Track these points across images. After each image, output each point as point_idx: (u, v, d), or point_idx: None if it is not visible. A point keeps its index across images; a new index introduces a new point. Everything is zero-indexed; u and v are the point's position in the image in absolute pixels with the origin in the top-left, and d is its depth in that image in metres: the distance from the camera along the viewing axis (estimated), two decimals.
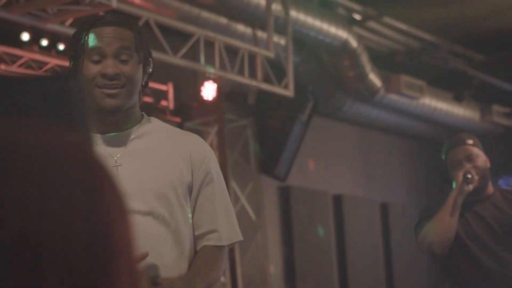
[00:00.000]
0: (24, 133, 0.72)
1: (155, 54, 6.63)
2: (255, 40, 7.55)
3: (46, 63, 6.46)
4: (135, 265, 0.74)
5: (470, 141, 3.69)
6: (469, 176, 3.56)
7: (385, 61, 9.63)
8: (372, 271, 10.21)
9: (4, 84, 0.89)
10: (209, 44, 6.97)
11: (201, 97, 7.69)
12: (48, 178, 0.70)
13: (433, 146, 11.47)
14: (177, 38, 6.89)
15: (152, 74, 2.32)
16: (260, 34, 7.63)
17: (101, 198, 0.72)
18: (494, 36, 9.73)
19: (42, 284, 0.67)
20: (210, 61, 6.98)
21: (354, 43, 8.37)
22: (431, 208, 3.74)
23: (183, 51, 6.70)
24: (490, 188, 3.72)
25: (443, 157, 3.77)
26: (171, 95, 7.59)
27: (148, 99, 7.33)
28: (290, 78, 7.62)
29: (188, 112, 7.97)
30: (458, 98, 9.13)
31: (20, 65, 6.29)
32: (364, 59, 8.67)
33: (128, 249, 0.73)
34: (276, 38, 7.69)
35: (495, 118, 10.66)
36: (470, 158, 3.62)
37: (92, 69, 2.14)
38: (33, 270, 0.67)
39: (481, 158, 3.66)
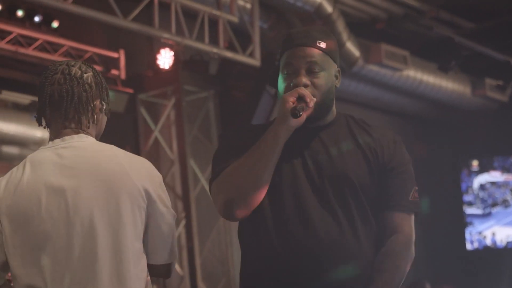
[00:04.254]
0: None
1: (104, 17, 6.82)
2: (217, 3, 7.59)
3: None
4: None
5: (322, 44, 2.69)
6: (302, 103, 2.60)
7: (364, 29, 9.64)
8: None
9: None
10: (165, 6, 7.04)
11: (157, 66, 7.81)
12: None
13: (418, 124, 11.68)
14: None
15: None
16: None
17: None
18: (485, 2, 9.77)
19: None
20: (165, 25, 7.08)
21: (328, 7, 8.43)
22: (234, 145, 2.73)
23: (135, 13, 6.77)
24: (332, 114, 2.77)
25: (277, 62, 2.80)
26: (122, 63, 7.66)
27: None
28: (256, 46, 7.72)
29: (142, 83, 8.03)
30: (443, 69, 9.22)
31: None
32: (340, 25, 8.71)
33: None
34: (241, 1, 7.79)
35: (488, 92, 10.81)
36: (311, 69, 2.66)
37: None
38: None
39: (328, 73, 2.69)
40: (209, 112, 8.56)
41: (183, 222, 8.22)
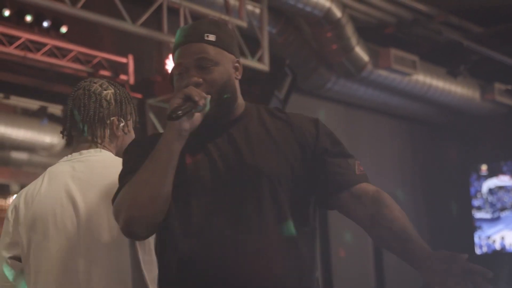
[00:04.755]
0: None
1: (113, 22, 6.75)
2: (226, 8, 7.52)
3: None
4: None
5: (211, 37, 2.47)
6: (189, 103, 2.34)
7: (373, 33, 9.60)
8: (360, 272, 10.27)
9: None
10: (174, 11, 6.97)
11: (166, 71, 7.74)
12: None
13: (428, 128, 11.60)
14: (136, 3, 6.94)
15: None
16: (232, 1, 7.60)
17: None
18: (494, 6, 9.73)
19: None
20: (174, 30, 7.00)
21: (338, 12, 8.38)
22: (135, 158, 2.47)
23: (144, 18, 6.71)
24: (240, 108, 2.52)
25: None
26: (131, 68, 7.63)
27: (105, 73, 7.42)
28: (265, 51, 7.64)
29: (151, 88, 7.97)
30: (452, 73, 9.17)
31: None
32: (349, 30, 8.67)
33: None
34: (249, 6, 7.72)
35: (497, 97, 10.76)
36: (201, 65, 2.44)
37: None
38: None
39: (222, 66, 2.46)
40: None
41: None
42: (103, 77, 7.17)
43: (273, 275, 2.33)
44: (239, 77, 2.50)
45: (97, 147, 2.63)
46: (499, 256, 11.57)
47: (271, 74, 7.94)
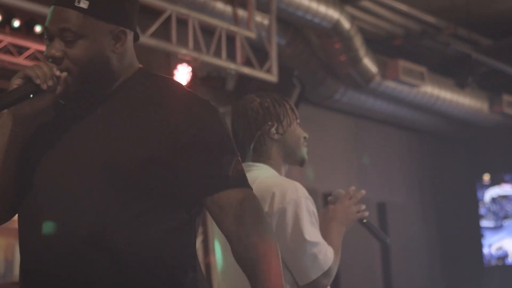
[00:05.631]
0: None
1: None
2: (235, 19, 7.50)
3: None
4: None
5: (83, 3, 2.04)
6: (37, 81, 1.99)
7: (382, 45, 9.61)
8: (368, 278, 10.21)
9: None
10: (182, 22, 6.94)
11: None
12: None
13: (436, 140, 11.54)
14: (146, 14, 6.89)
15: None
16: (241, 12, 7.58)
17: None
18: (503, 18, 9.71)
19: None
20: (183, 41, 6.96)
21: (346, 24, 8.35)
22: None
23: (153, 29, 6.67)
24: (118, 81, 2.12)
25: None
26: None
27: None
28: (274, 62, 7.59)
29: None
30: (460, 84, 9.14)
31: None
32: (358, 42, 8.64)
33: None
34: (258, 17, 7.68)
35: (505, 109, 10.72)
36: (64, 37, 2.05)
37: None
38: None
39: (91, 39, 2.04)
40: None
41: (200, 238, 8.08)
42: None
43: (116, 271, 1.99)
44: (120, 49, 2.08)
45: (258, 162, 2.86)
46: (501, 265, 11.56)
47: (279, 85, 7.89)
